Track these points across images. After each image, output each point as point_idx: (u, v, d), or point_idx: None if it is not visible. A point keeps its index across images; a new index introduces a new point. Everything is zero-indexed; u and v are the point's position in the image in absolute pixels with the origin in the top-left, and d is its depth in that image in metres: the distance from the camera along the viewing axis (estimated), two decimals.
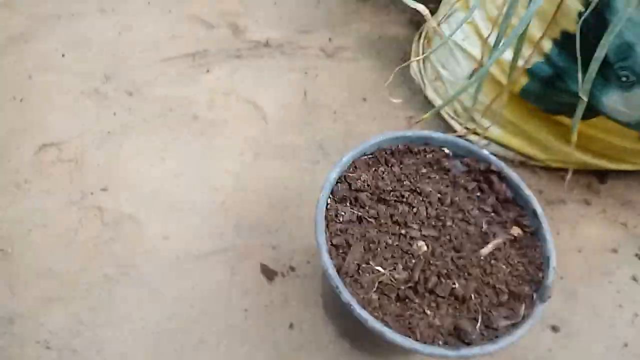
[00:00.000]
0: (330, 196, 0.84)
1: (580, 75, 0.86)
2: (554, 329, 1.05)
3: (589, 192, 1.27)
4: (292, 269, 1.06)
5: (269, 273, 1.06)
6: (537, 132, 1.23)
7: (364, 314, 0.73)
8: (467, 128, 1.30)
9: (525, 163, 1.30)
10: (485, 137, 1.29)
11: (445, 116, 1.32)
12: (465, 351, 0.74)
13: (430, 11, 1.48)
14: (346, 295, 0.73)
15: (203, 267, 1.04)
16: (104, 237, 1.06)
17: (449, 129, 1.31)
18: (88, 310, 0.98)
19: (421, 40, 1.43)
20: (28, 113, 1.19)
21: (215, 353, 0.96)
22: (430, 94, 1.34)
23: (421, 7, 0.90)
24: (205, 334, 0.98)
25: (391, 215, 0.85)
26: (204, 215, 1.10)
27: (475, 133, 1.28)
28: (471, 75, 1.24)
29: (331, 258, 0.79)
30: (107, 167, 1.14)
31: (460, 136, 1.32)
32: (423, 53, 1.39)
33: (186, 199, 1.12)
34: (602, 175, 1.31)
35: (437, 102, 1.33)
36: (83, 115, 1.20)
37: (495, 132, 1.27)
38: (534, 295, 0.81)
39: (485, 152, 0.92)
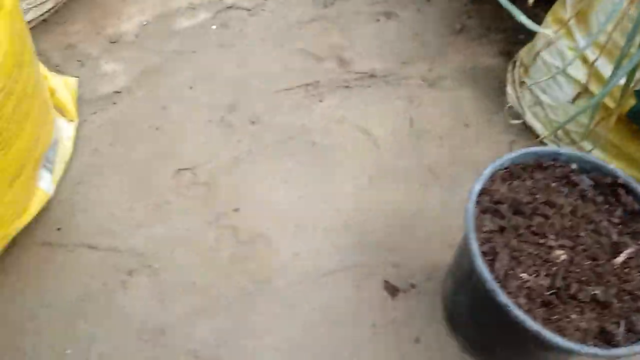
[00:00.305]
0: (476, 207, 0.91)
1: None
2: None
3: None
4: (413, 286, 1.12)
5: (392, 290, 1.12)
6: (639, 154, 1.27)
7: (521, 315, 0.78)
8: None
9: None
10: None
11: (546, 140, 1.38)
12: (615, 351, 0.78)
13: (521, 41, 1.57)
14: (503, 298, 0.79)
15: (331, 283, 1.11)
16: (240, 254, 1.14)
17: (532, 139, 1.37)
18: (230, 322, 1.06)
19: (516, 69, 1.50)
20: (164, 140, 1.31)
21: None
22: (529, 119, 1.40)
23: (549, 31, 0.97)
24: (338, 348, 1.04)
25: (528, 226, 0.90)
26: (328, 234, 1.18)
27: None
28: (574, 100, 1.29)
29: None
30: (237, 190, 1.24)
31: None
32: (519, 80, 1.46)
33: (311, 219, 1.20)
34: None
35: (536, 126, 1.39)
36: (212, 142, 1.32)
37: (597, 154, 1.31)
38: None
39: (612, 166, 0.97)
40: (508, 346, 0.95)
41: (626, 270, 0.88)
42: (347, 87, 1.45)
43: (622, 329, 0.82)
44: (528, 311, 0.82)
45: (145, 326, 1.02)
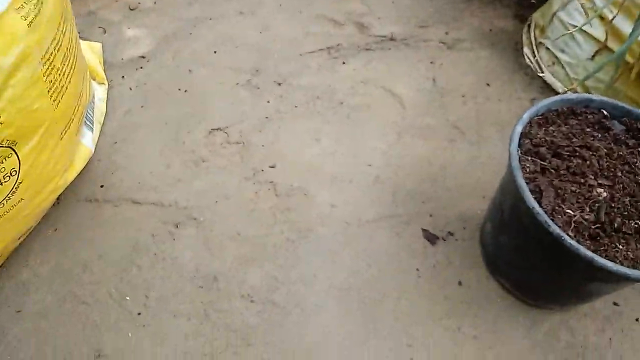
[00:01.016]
0: (518, 149, 0.94)
1: None
2: None
3: None
4: (451, 234, 1.16)
5: (431, 237, 1.16)
6: None
7: (575, 244, 0.82)
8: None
9: None
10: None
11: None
12: None
13: (533, 5, 1.61)
14: (555, 229, 0.83)
15: (371, 232, 1.15)
16: (280, 206, 1.17)
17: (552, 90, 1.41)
18: (280, 268, 1.09)
19: (531, 31, 1.54)
20: (193, 102, 1.33)
21: (398, 306, 1.06)
22: (549, 78, 1.45)
23: None
24: (386, 290, 1.08)
25: (568, 167, 0.95)
26: (362, 187, 1.21)
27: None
28: (593, 56, 1.34)
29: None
30: (270, 148, 1.26)
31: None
32: (537, 42, 1.50)
33: (344, 173, 1.23)
34: None
35: (556, 84, 1.44)
36: (241, 104, 1.34)
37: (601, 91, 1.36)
38: None
39: None
40: (555, 281, 0.99)
41: None
42: (368, 49, 1.47)
43: None
44: (578, 244, 0.86)
45: (198, 274, 1.05)
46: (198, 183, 1.19)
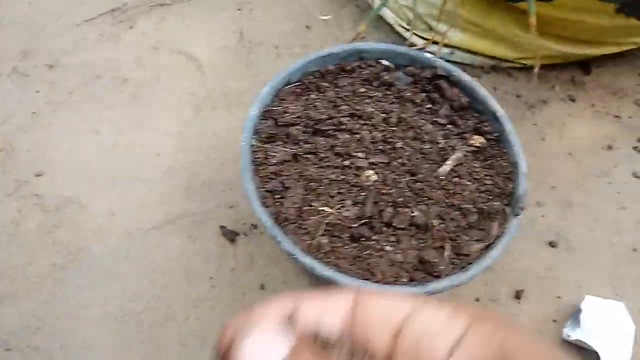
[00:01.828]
0: (255, 137, 0.74)
1: None
2: (552, 244, 0.96)
3: (573, 87, 1.15)
4: (254, 226, 0.97)
5: (230, 234, 0.97)
6: (501, 28, 1.10)
7: (309, 261, 0.64)
8: (425, 38, 1.17)
9: (497, 67, 1.18)
10: (448, 45, 1.17)
11: (400, 30, 1.20)
12: (434, 285, 0.65)
13: None
14: (287, 245, 0.64)
15: (158, 239, 0.96)
16: (47, 225, 0.97)
17: (408, 44, 1.18)
18: (43, 304, 0.91)
19: None
20: None
21: (186, 327, 0.89)
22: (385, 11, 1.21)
23: None
24: (172, 310, 0.90)
25: (331, 147, 0.74)
26: (149, 184, 1.01)
27: (435, 42, 1.16)
28: None
29: (266, 206, 0.69)
30: (38, 151, 1.04)
31: (420, 49, 1.20)
32: None
33: (128, 170, 1.02)
34: (584, 65, 1.18)
35: (387, 15, 1.20)
36: (4, 99, 1.10)
37: (457, 36, 1.15)
38: (506, 210, 0.72)
39: (428, 55, 0.80)
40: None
41: (455, 180, 0.74)
42: (162, 5, 1.22)
43: (447, 254, 0.69)
44: (332, 251, 0.68)
45: None
46: None
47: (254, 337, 0.23)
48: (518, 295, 0.91)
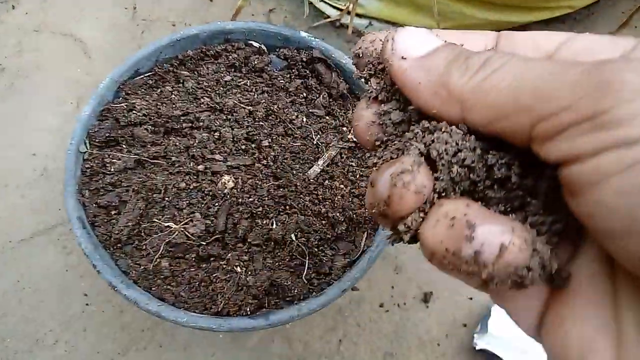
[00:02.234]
0: (88, 140, 0.62)
1: None
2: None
3: None
4: None
5: None
6: None
7: (132, 293, 0.53)
8: (339, 9, 1.05)
9: None
10: (364, 16, 1.05)
11: (313, 0, 1.07)
12: (278, 316, 0.55)
13: None
14: (107, 275, 0.54)
15: (29, 252, 0.85)
16: None
17: (321, 16, 1.06)
18: None
19: None
20: None
21: (52, 353, 0.79)
22: None
23: None
24: (40, 333, 0.80)
25: (186, 149, 0.63)
26: (21, 189, 0.90)
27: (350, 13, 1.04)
28: None
29: (95, 226, 0.58)
30: None
31: (335, 21, 1.07)
32: None
33: None
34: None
35: None
36: None
37: (373, 5, 1.02)
38: None
39: (304, 34, 0.68)
40: None
41: (326, 183, 0.63)
42: None
43: (305, 275, 0.59)
44: (172, 276, 0.58)
45: None
46: None
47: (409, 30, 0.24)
48: (426, 298, 0.82)
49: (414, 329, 0.81)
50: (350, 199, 0.61)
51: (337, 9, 1.05)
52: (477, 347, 0.73)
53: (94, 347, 0.80)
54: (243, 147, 0.63)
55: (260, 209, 0.60)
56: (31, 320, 0.81)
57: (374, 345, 0.80)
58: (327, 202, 0.61)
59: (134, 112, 0.63)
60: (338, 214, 0.60)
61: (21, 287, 0.83)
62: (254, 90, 0.67)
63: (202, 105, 0.65)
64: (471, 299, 0.82)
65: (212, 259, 0.58)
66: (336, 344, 0.81)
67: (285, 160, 0.63)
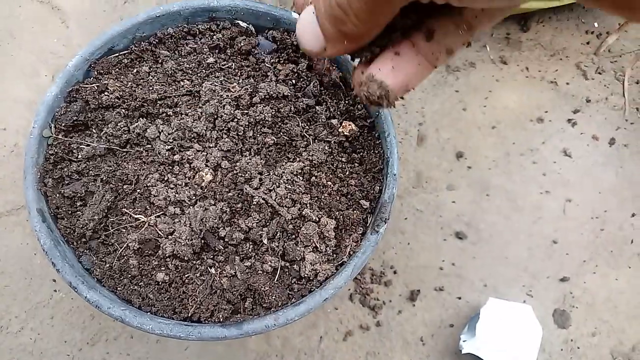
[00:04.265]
0: (53, 124, 0.57)
1: None
2: (459, 236, 0.83)
3: (507, 47, 0.98)
4: None
5: None
6: None
7: (92, 295, 0.49)
8: None
9: None
10: None
11: None
12: (252, 325, 0.51)
13: None
14: (67, 275, 0.49)
15: None
16: None
17: None
18: None
19: None
20: None
21: (17, 341, 0.75)
22: None
23: None
24: (5, 319, 0.76)
25: (162, 136, 0.58)
26: None
27: None
28: None
29: (58, 217, 0.54)
30: None
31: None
32: None
33: None
34: (523, 20, 1.01)
35: None
36: None
37: None
38: (368, 220, 0.57)
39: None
40: None
41: (312, 180, 0.59)
42: None
43: (286, 277, 0.55)
44: (141, 276, 0.53)
45: None
46: None
47: None
48: (413, 297, 0.78)
49: (399, 327, 0.78)
50: (338, 197, 0.57)
51: None
52: (464, 351, 0.70)
53: (61, 335, 0.76)
54: (225, 137, 0.59)
55: (240, 205, 0.55)
56: None
57: (356, 344, 0.77)
58: (313, 201, 0.56)
59: (105, 93, 0.58)
60: (323, 215, 0.55)
61: None
62: (238, 74, 0.62)
63: (181, 88, 0.60)
64: (459, 298, 0.79)
65: (184, 257, 0.54)
66: (317, 341, 0.77)
67: (269, 154, 0.58)
